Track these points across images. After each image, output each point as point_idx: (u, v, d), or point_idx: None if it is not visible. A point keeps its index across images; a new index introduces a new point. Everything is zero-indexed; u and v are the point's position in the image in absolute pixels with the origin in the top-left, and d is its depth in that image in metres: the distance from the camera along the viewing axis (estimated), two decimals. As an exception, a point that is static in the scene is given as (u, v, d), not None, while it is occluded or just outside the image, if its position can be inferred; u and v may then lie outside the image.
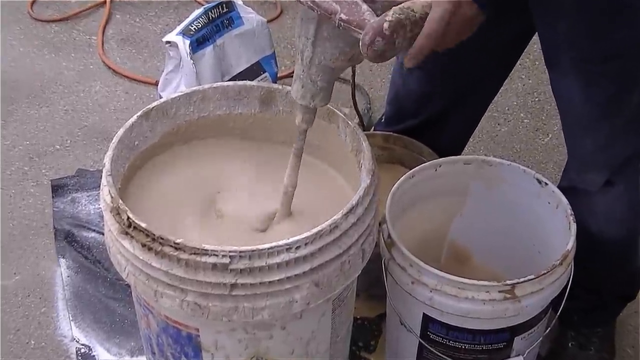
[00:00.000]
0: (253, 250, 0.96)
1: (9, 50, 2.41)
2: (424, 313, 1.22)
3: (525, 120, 2.16)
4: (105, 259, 1.68)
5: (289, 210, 1.16)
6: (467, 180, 1.37)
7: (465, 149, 1.68)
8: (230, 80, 1.87)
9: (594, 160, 1.29)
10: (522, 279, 1.15)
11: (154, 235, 0.98)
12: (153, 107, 1.19)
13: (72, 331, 1.58)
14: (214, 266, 0.96)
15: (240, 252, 0.96)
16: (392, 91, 1.62)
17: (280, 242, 0.97)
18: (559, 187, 1.31)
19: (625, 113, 1.22)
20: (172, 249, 0.97)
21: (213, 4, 1.86)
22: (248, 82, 1.26)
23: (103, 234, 1.11)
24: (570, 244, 1.20)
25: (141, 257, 0.99)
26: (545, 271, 1.16)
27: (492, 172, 1.35)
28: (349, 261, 1.04)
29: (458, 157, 1.40)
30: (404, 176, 1.33)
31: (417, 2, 0.98)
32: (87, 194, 1.89)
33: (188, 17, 1.84)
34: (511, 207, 1.36)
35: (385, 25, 0.94)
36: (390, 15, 0.95)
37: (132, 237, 1.00)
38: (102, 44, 2.44)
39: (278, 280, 0.98)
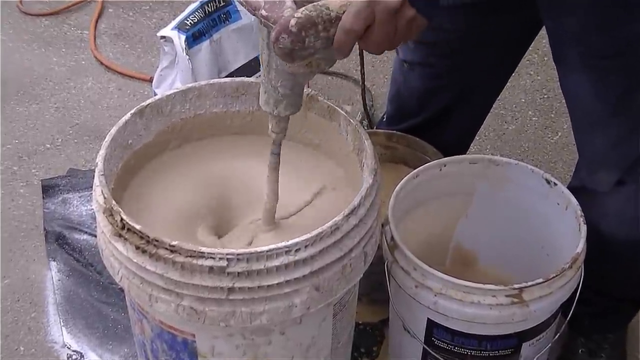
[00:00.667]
0: (251, 253, 0.95)
1: (-3, 45, 2.39)
2: (428, 318, 1.21)
3: (534, 118, 2.14)
4: (97, 262, 1.67)
5: (272, 226, 1.14)
6: (473, 180, 1.37)
7: (471, 147, 1.66)
8: (227, 76, 1.86)
9: (604, 159, 1.27)
10: (530, 283, 1.14)
11: (149, 237, 0.96)
12: (147, 105, 1.18)
13: (63, 337, 1.57)
14: (211, 269, 0.95)
15: (238, 254, 0.94)
16: (393, 89, 1.60)
17: (280, 245, 0.96)
18: (570, 187, 1.30)
19: (635, 110, 1.20)
20: (167, 252, 0.95)
21: (209, -3, 1.84)
22: (246, 79, 1.24)
23: (95, 236, 1.11)
24: (581, 246, 1.19)
25: (135, 260, 0.98)
26: (555, 274, 1.15)
27: (499, 171, 1.35)
28: (351, 264, 1.03)
29: (463, 156, 1.39)
30: (407, 176, 1.32)
31: (335, 1, 0.92)
32: (79, 195, 1.88)
33: (183, 11, 1.82)
34: (519, 208, 1.35)
35: (292, 21, 0.89)
36: (300, 12, 0.90)
37: (125, 239, 0.98)
38: (94, 39, 2.41)
39: (277, 284, 0.97)
